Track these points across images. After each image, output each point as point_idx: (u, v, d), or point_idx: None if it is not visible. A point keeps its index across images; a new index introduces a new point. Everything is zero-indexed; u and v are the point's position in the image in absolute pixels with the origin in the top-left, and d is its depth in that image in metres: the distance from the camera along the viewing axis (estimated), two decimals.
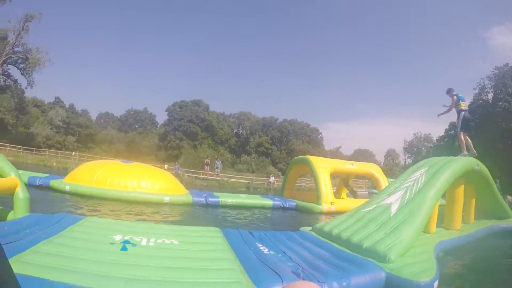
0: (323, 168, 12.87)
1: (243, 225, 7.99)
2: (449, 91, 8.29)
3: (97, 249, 3.27)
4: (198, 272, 3.02)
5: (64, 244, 3.30)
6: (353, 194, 16.32)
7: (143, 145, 51.99)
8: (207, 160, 30.04)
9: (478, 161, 7.89)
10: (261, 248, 4.23)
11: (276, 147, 52.76)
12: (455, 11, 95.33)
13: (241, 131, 57.77)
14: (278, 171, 41.22)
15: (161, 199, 9.71)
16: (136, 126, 60.46)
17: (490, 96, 32.39)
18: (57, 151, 35.77)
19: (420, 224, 5.07)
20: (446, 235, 6.77)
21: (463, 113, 8.19)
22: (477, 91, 33.62)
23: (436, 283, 3.87)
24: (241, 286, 2.88)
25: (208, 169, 29.02)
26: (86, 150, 41.25)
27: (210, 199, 10.71)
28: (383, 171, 15.54)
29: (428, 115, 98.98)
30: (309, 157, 14.39)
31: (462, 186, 7.44)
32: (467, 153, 8.21)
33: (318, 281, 3.31)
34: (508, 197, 11.93)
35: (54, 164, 26.59)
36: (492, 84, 32.13)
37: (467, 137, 8.36)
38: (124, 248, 3.41)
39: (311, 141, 54.66)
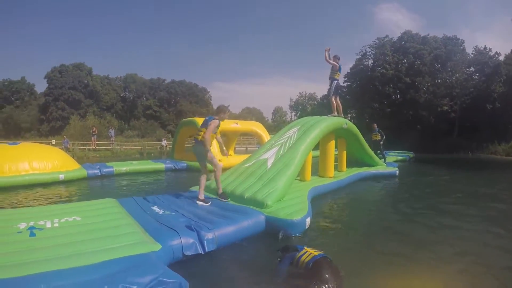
0: None
1: (140, 191, 8.20)
2: (336, 56, 9.42)
3: (7, 241, 3.26)
4: (106, 240, 3.27)
5: None
6: None
7: (22, 120, 44.97)
8: (94, 129, 28.28)
9: (347, 120, 9.19)
10: (156, 210, 4.66)
11: (164, 109, 51.34)
12: None
13: (127, 95, 54.10)
14: (168, 133, 40.54)
15: (56, 177, 9.38)
16: (13, 98, 51.18)
17: (370, 62, 37.39)
18: None
19: (292, 174, 6.02)
20: (320, 181, 7.84)
21: (335, 81, 9.52)
22: (359, 57, 38.45)
23: (308, 220, 4.72)
24: (147, 244, 3.21)
25: (96, 139, 27.62)
26: None
27: (105, 170, 10.95)
28: (271, 127, 17.21)
29: (313, 76, 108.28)
30: (196, 119, 14.63)
31: (333, 141, 8.57)
32: (336, 114, 9.47)
33: (208, 229, 3.87)
34: (374, 125, 14.41)
35: None
36: (373, 52, 37.15)
37: (338, 101, 9.63)
38: (32, 234, 3.47)
39: (199, 101, 54.56)
